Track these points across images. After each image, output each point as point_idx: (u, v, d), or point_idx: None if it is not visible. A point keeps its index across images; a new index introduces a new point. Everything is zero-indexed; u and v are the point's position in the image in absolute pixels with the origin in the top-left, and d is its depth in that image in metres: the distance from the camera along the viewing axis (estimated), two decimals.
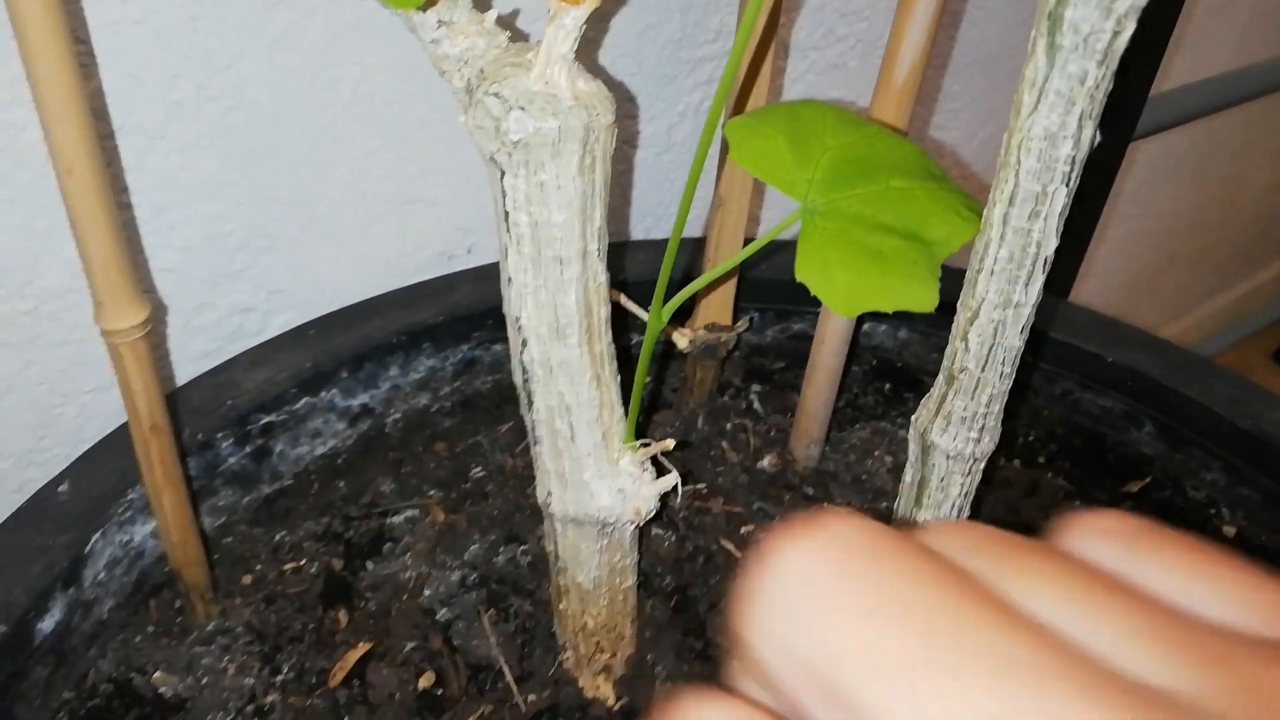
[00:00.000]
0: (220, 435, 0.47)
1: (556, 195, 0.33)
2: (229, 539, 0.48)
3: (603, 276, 0.36)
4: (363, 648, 0.43)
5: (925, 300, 0.30)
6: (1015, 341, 0.34)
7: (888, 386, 0.59)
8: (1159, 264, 1.21)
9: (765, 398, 0.57)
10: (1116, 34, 0.27)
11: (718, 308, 0.54)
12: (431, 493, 0.51)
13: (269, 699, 0.41)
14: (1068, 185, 0.30)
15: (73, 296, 0.47)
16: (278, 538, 0.48)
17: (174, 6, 0.44)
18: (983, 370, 0.35)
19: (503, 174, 0.33)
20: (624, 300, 0.39)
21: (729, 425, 0.55)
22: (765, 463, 0.52)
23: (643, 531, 0.49)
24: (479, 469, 0.52)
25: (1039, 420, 0.57)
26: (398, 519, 0.49)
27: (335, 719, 0.41)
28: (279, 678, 0.42)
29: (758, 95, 0.46)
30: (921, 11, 0.41)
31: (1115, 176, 0.66)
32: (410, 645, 0.44)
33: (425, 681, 0.43)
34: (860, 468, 0.54)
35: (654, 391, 0.58)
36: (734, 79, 0.30)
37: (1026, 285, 0.32)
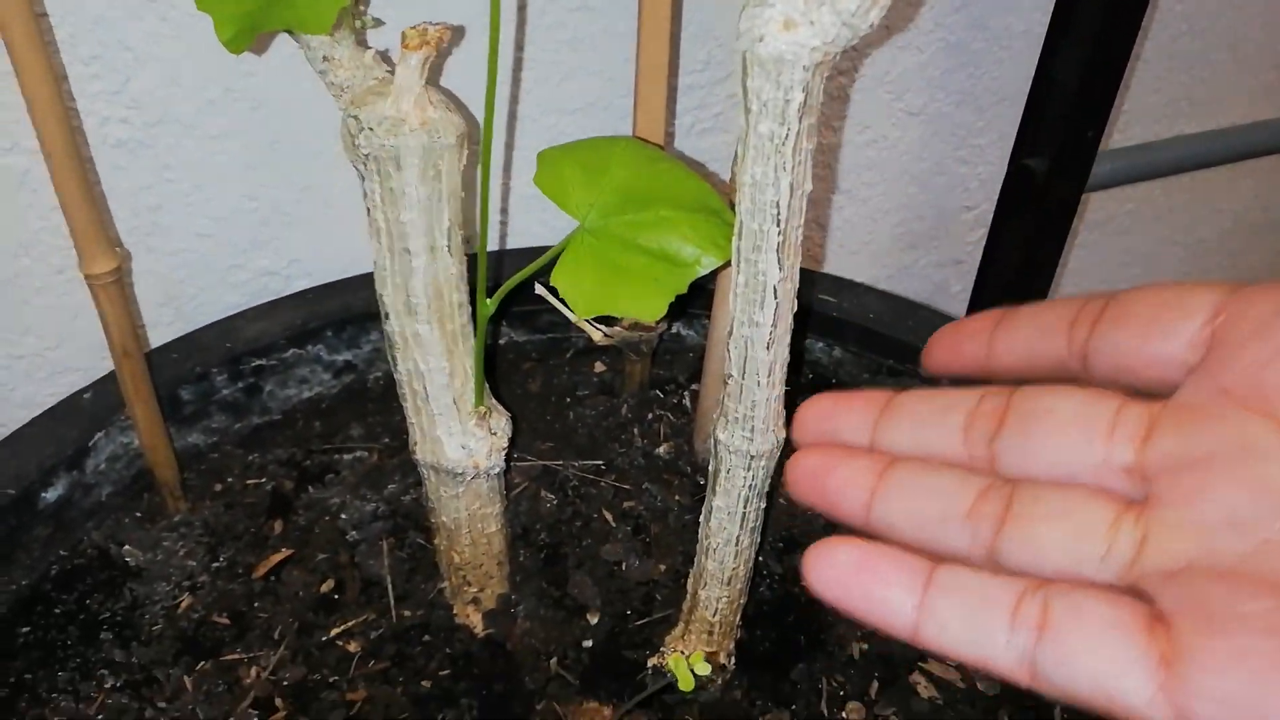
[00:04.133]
0: (216, 370, 0.58)
1: (403, 199, 0.41)
2: (215, 454, 0.59)
3: (455, 268, 0.44)
4: (285, 552, 0.53)
5: (649, 311, 0.37)
6: (763, 355, 0.39)
7: None
8: None
9: (698, 396, 0.63)
10: (788, 101, 0.33)
11: None
12: (386, 440, 0.60)
13: (201, 579, 0.52)
14: (779, 225, 0.35)
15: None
16: (251, 458, 0.58)
17: (206, 22, 0.55)
18: (743, 378, 0.40)
19: (363, 179, 0.41)
20: (547, 294, 0.45)
21: (649, 415, 0.61)
22: (662, 450, 0.58)
23: (535, 493, 0.57)
24: None
25: None
26: (347, 457, 0.59)
27: (248, 603, 0.51)
28: (215, 565, 0.52)
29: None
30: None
31: (1071, 223, 0.67)
32: (322, 556, 0.53)
33: (326, 587, 0.52)
34: None
35: (605, 379, 0.65)
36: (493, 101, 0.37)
37: (761, 308, 0.38)
